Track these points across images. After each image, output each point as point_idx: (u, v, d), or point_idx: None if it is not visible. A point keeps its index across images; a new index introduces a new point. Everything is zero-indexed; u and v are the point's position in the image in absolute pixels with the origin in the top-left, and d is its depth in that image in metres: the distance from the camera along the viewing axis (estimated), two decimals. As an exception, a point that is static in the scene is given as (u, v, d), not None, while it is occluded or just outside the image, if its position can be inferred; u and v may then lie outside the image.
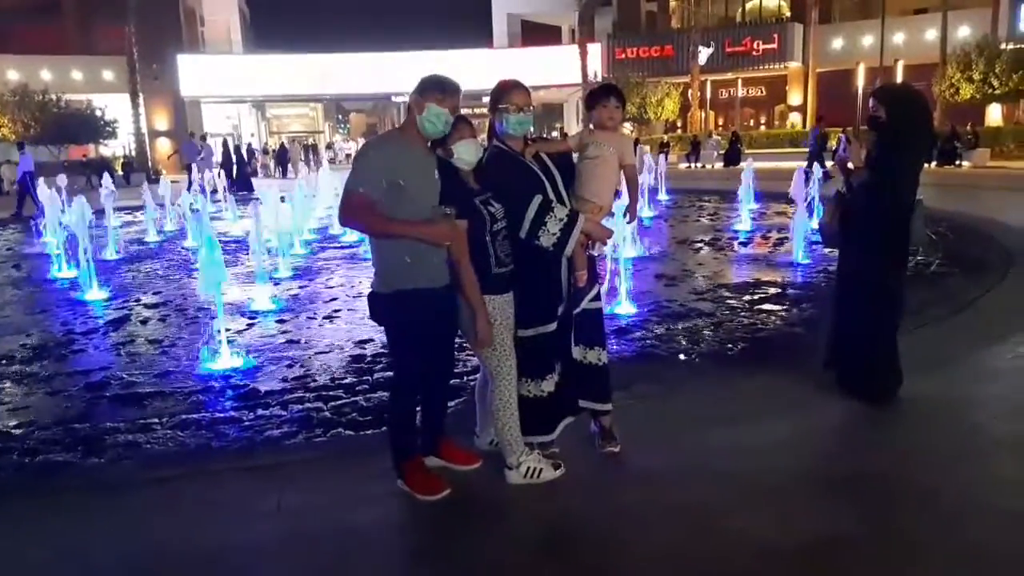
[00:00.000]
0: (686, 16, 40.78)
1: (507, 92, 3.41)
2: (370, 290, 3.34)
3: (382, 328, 3.48)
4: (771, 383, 4.78)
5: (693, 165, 30.49)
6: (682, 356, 5.55)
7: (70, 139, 31.55)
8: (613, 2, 41.66)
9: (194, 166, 22.73)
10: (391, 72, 38.41)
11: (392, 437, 3.49)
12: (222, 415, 4.53)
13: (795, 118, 37.54)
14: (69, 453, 4.02)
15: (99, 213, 11.56)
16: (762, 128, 40.03)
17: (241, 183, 24.27)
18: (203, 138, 26.71)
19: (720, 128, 39.09)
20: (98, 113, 32.68)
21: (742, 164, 14.48)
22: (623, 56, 39.34)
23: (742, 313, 6.74)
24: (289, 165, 34.28)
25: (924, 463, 3.69)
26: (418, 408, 3.55)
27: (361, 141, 52.61)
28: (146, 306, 7.78)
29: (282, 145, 37.52)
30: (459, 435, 3.78)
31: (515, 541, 3.12)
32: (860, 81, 31.81)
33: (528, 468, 3.46)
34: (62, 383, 5.27)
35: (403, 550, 3.14)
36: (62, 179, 15.97)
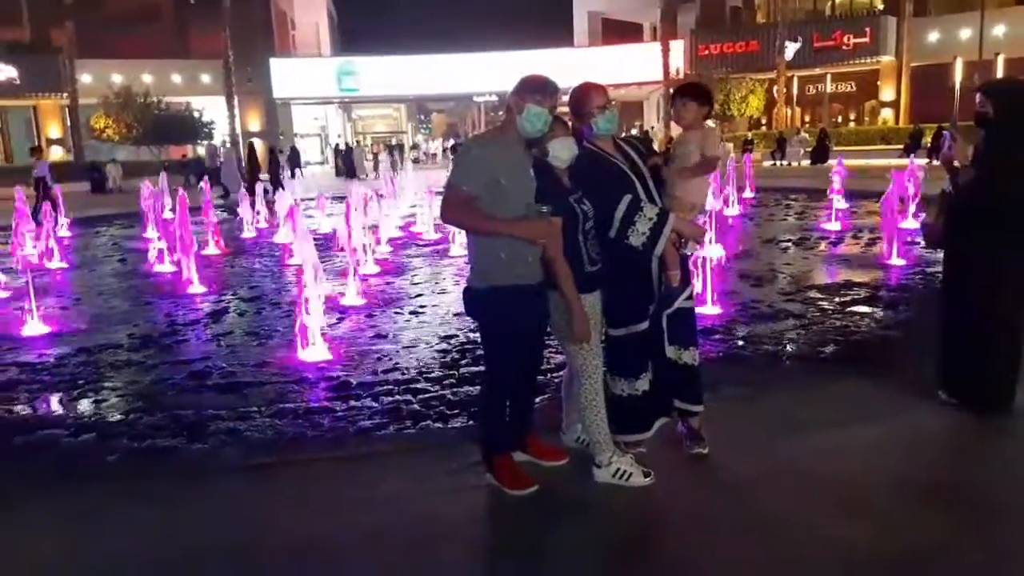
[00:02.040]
0: (772, 10, 39.69)
1: (587, 96, 3.46)
2: (466, 285, 3.41)
3: (468, 323, 3.56)
4: (864, 387, 4.63)
5: (778, 163, 29.71)
6: (770, 358, 5.43)
7: (170, 140, 33.13)
8: (697, -2, 41.03)
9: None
10: (472, 72, 38.83)
11: (483, 431, 3.56)
12: (316, 405, 4.70)
13: (887, 114, 36.08)
14: (175, 439, 4.25)
15: (196, 211, 12.12)
16: (851, 124, 38.63)
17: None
18: (223, 144, 27.02)
19: (807, 125, 37.92)
20: (196, 115, 34.21)
21: (830, 162, 13.99)
22: (706, 52, 38.68)
23: (833, 315, 6.54)
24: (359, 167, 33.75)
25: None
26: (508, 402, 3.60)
27: (442, 141, 53.32)
28: (243, 299, 8.13)
29: (347, 146, 37.41)
30: (546, 432, 3.83)
31: (597, 540, 3.14)
32: (957, 76, 30.31)
33: (618, 469, 3.46)
34: (167, 371, 5.56)
35: (489, 543, 3.21)
36: (163, 178, 16.78)
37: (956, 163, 4.00)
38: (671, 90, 27.95)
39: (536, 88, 3.22)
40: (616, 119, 3.52)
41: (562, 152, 3.33)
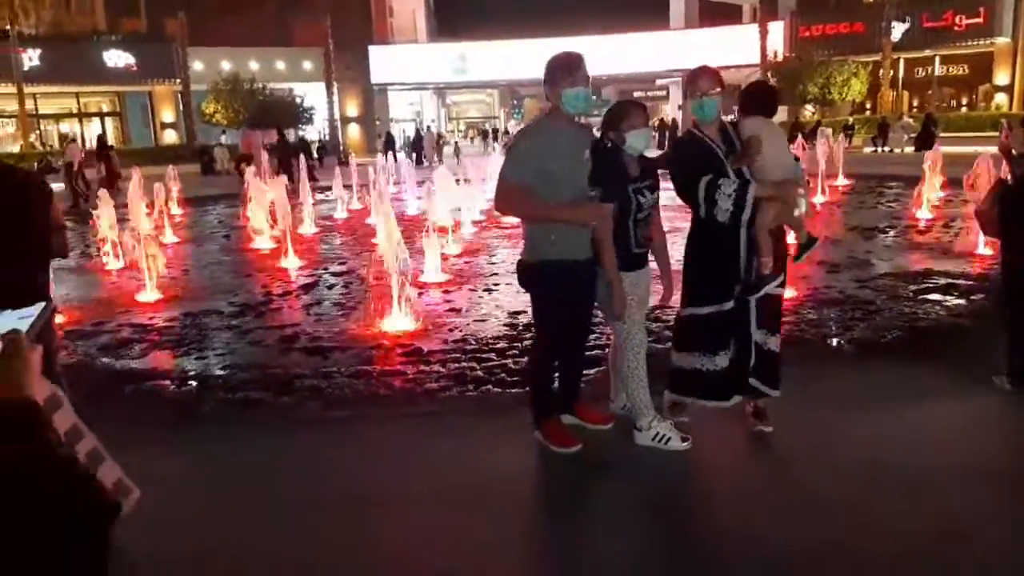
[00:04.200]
0: (881, -11, 37.99)
1: (692, 81, 3.62)
2: (519, 259, 3.72)
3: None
4: (922, 373, 4.68)
5: (880, 149, 28.58)
6: (832, 342, 5.51)
7: (273, 124, 34.68)
8: (800, -23, 39.67)
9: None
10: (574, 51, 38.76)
11: (532, 393, 3.86)
12: (390, 369, 5.12)
13: (1001, 99, 34.01)
14: (265, 392, 4.75)
15: (295, 192, 12.89)
16: (963, 110, 36.61)
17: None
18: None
19: (915, 110, 36.20)
20: (298, 100, 35.64)
21: (937, 149, 13.50)
22: (807, 34, 37.37)
23: (904, 302, 6.51)
24: (424, 154, 32.92)
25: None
26: (557, 369, 3.89)
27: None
28: (333, 274, 8.70)
29: (417, 132, 37.03)
30: (596, 400, 4.10)
31: (633, 495, 3.41)
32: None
33: (658, 433, 3.71)
34: (260, 335, 6.13)
35: (534, 493, 3.53)
36: (266, 160, 17.76)
37: (1013, 151, 4.02)
38: (768, 74, 26.96)
39: (565, 71, 3.42)
40: (713, 107, 3.58)
41: (638, 143, 3.57)
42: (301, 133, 37.39)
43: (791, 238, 3.86)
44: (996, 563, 2.80)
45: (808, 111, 35.92)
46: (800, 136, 23.17)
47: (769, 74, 34.82)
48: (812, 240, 3.78)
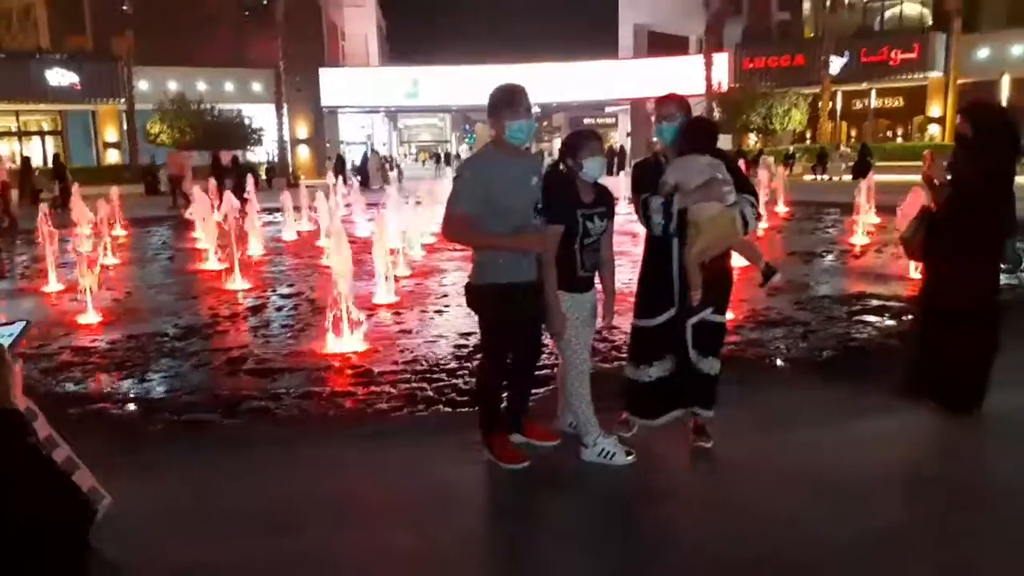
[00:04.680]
0: (820, 25, 39.47)
1: (655, 107, 3.89)
2: (467, 282, 3.81)
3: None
4: (850, 390, 4.89)
5: (819, 177, 29.58)
6: (767, 361, 5.71)
7: (221, 145, 34.27)
8: (743, 11, 40.97)
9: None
10: (517, 83, 39.26)
11: (480, 411, 3.94)
12: (340, 390, 5.14)
13: (934, 130, 35.58)
14: (212, 414, 4.72)
15: (242, 213, 12.77)
16: (899, 140, 38.16)
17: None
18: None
19: (853, 140, 37.59)
20: (246, 122, 35.30)
21: (871, 177, 14.13)
22: (751, 66, 38.59)
23: (839, 323, 6.78)
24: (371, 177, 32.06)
25: (987, 468, 3.78)
26: (505, 388, 3.97)
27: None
28: (281, 296, 8.66)
29: (365, 155, 36.50)
30: (544, 418, 4.20)
31: (579, 508, 3.51)
32: (1004, 93, 29.84)
33: (603, 450, 3.82)
34: (207, 357, 6.08)
35: (485, 506, 3.61)
36: (211, 182, 17.54)
37: (935, 181, 4.28)
38: (712, 104, 27.66)
39: (507, 104, 3.56)
40: (671, 131, 3.78)
41: (593, 170, 3.71)
42: (249, 154, 37.03)
43: (740, 262, 4.03)
44: (921, 566, 2.96)
45: (751, 140, 37.03)
46: (743, 163, 23.81)
47: (714, 104, 35.84)
48: (771, 269, 3.93)
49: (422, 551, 3.11)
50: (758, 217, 3.89)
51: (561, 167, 3.77)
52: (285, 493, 3.61)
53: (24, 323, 1.10)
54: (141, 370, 5.75)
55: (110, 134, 37.85)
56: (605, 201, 3.80)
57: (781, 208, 17.15)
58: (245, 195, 13.81)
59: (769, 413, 4.51)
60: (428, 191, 15.29)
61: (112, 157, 37.36)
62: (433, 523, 3.32)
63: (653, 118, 3.92)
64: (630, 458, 3.82)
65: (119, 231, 14.75)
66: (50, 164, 23.12)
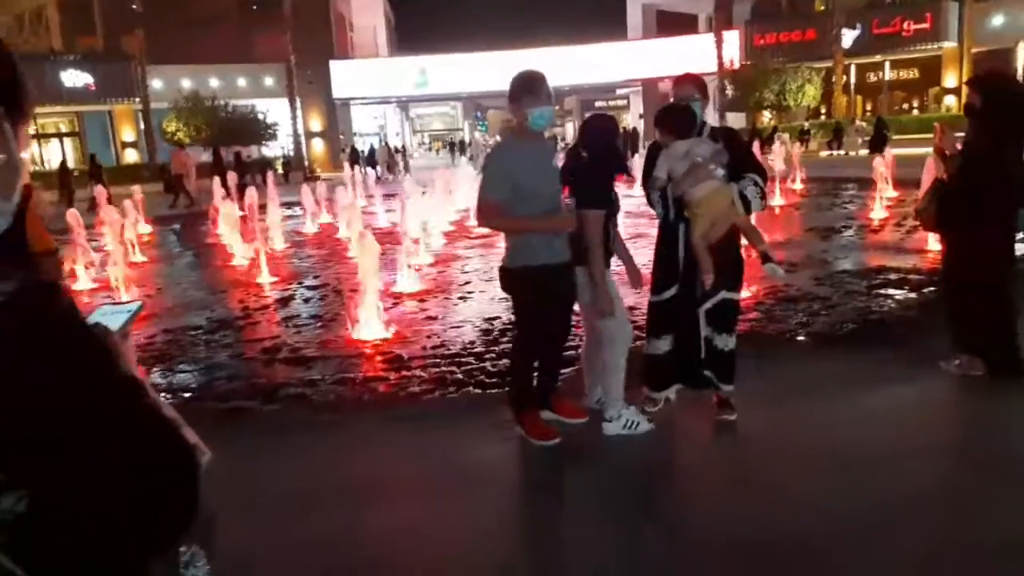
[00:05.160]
0: (830, -3, 39.11)
1: (673, 88, 4.07)
2: (500, 265, 3.96)
3: (510, 306, 4.11)
4: (871, 361, 4.99)
5: (835, 152, 29.41)
6: (788, 335, 5.82)
7: (236, 141, 34.57)
8: (753, -13, 40.67)
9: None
10: (526, 68, 39.17)
11: (512, 390, 4.08)
12: (372, 375, 5.31)
13: (950, 101, 35.19)
14: (252, 401, 4.91)
15: (262, 208, 12.99)
16: (915, 112, 37.80)
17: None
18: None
19: (868, 113, 37.29)
20: (260, 117, 35.56)
21: (886, 151, 14.14)
22: (762, 42, 38.32)
23: (859, 297, 6.86)
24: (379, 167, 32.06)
25: (1009, 438, 3.87)
26: (536, 367, 4.12)
27: (499, 138, 53.80)
28: (308, 288, 8.85)
29: (372, 147, 36.69)
30: (572, 395, 4.34)
31: (606, 481, 3.65)
32: (1021, 60, 29.48)
33: (627, 420, 3.97)
34: (242, 348, 6.27)
35: (517, 482, 3.76)
36: (232, 178, 17.79)
37: (947, 152, 4.36)
38: (724, 82, 27.50)
39: (528, 91, 3.69)
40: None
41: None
42: (264, 149, 37.28)
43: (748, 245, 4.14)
44: (943, 531, 3.08)
45: (765, 117, 36.81)
46: (757, 141, 23.75)
47: (726, 82, 35.64)
48: (769, 257, 3.98)
49: (457, 527, 3.26)
50: (763, 196, 3.95)
51: (583, 152, 3.89)
52: (323, 475, 3.78)
53: (138, 304, 1.24)
54: (179, 362, 5.96)
55: (127, 133, 38.26)
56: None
57: (797, 184, 17.14)
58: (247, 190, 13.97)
59: (790, 386, 4.62)
60: (436, 180, 15.46)
61: (131, 156, 37.80)
62: (467, 499, 3.47)
63: (671, 99, 4.03)
64: (651, 425, 4.02)
65: (144, 228, 15.02)
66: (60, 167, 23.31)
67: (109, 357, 0.95)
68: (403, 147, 45.09)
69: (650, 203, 4.07)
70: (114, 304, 1.21)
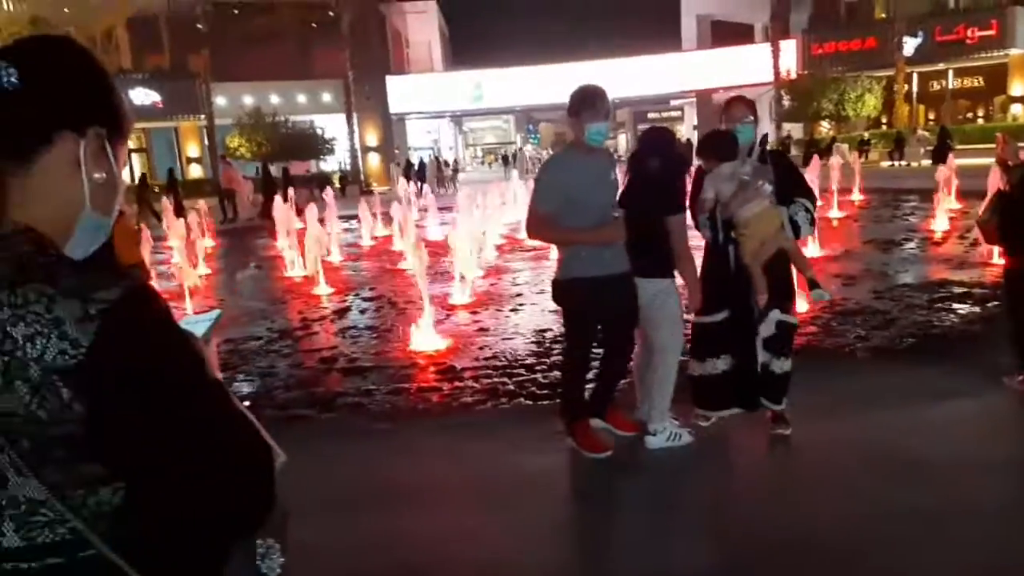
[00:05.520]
0: (891, 5, 38.22)
1: (725, 110, 4.11)
2: (553, 277, 4.02)
3: (561, 318, 4.17)
4: (932, 375, 4.90)
5: (897, 163, 28.69)
6: (847, 349, 5.73)
7: (295, 156, 35.42)
8: (810, -4, 40.05)
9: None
10: (579, 81, 39.15)
11: (564, 401, 4.13)
12: (426, 385, 5.42)
13: (1017, 110, 33.98)
14: (310, 409, 5.06)
15: (320, 222, 13.29)
16: (979, 122, 36.61)
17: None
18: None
19: (932, 123, 36.26)
20: (319, 132, 36.38)
21: (949, 161, 13.76)
22: (820, 51, 37.67)
23: (919, 311, 6.72)
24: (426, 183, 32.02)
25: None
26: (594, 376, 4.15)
27: (551, 151, 53.97)
28: (364, 299, 9.05)
29: (421, 161, 36.83)
30: (624, 408, 4.36)
31: (660, 496, 3.67)
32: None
33: (670, 433, 4.01)
34: (300, 358, 6.47)
35: (568, 490, 3.80)
36: (291, 192, 18.25)
37: (1009, 162, 4.26)
38: (781, 92, 27.08)
39: (589, 105, 3.73)
40: (749, 132, 3.99)
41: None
42: (323, 164, 38.06)
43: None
44: (999, 546, 3.01)
45: (823, 128, 36.11)
46: (815, 154, 23.33)
47: (783, 92, 35.11)
48: (816, 283, 3.99)
49: (507, 532, 3.32)
50: (812, 222, 4.01)
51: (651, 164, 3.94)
52: (380, 480, 3.88)
53: (218, 313, 1.34)
54: (242, 370, 6.16)
55: (192, 149, 39.54)
56: None
57: (856, 196, 16.79)
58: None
59: (847, 399, 4.56)
60: (488, 193, 15.57)
61: (195, 172, 39.04)
62: (518, 506, 3.54)
63: (724, 120, 4.04)
64: (692, 438, 4.05)
65: (208, 242, 15.53)
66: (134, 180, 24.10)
67: (201, 360, 1.04)
68: (455, 160, 45.56)
69: (698, 227, 4.09)
70: (196, 314, 1.31)
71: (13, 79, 0.97)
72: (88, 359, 0.90)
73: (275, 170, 26.02)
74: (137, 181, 23.29)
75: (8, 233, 0.96)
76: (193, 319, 1.32)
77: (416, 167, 35.10)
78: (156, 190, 25.48)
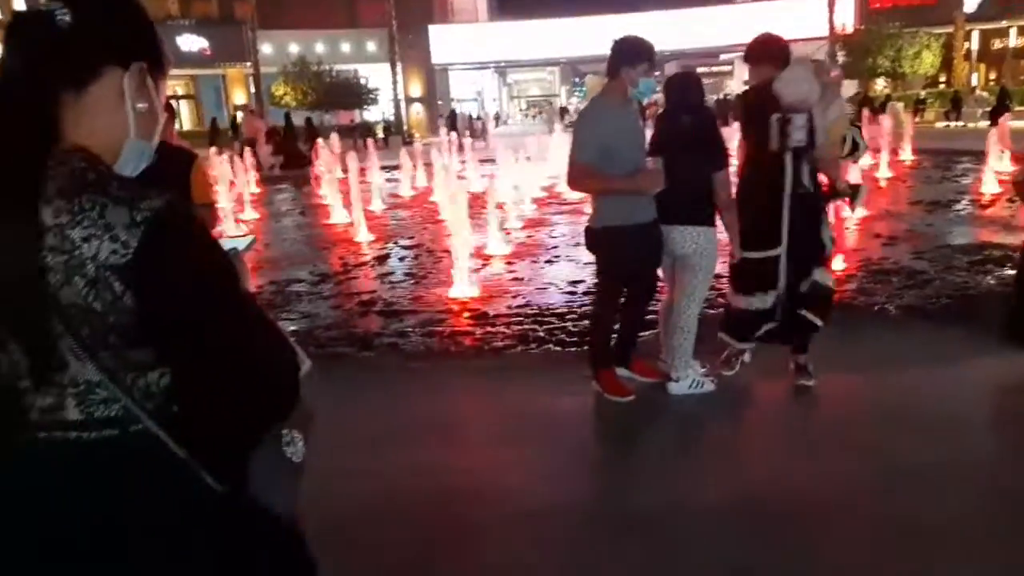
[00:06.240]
0: (955, -43, 36.59)
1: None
2: (587, 225, 4.12)
3: (594, 266, 4.28)
4: (965, 335, 4.90)
5: (953, 123, 27.80)
6: (879, 308, 5.75)
7: (340, 105, 35.55)
8: (871, -54, 38.47)
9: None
10: (626, 32, 38.45)
11: (592, 346, 4.25)
12: (459, 329, 5.61)
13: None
14: (349, 347, 5.30)
15: (363, 171, 13.51)
16: (1044, 81, 35.12)
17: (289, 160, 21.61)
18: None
19: (992, 83, 34.91)
20: (363, 82, 36.42)
21: (1002, 121, 13.32)
22: (877, 5, 36.32)
23: (957, 272, 6.66)
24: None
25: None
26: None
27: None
28: (403, 247, 9.26)
29: (453, 111, 36.48)
30: (648, 356, 4.49)
31: (681, 439, 3.82)
32: None
33: (693, 380, 4.12)
34: (340, 300, 6.72)
35: (594, 433, 3.98)
36: (335, 140, 18.45)
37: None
38: (835, 46, 26.33)
39: (645, 58, 3.82)
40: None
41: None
42: (366, 113, 38.15)
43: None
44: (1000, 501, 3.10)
45: (878, 85, 35.02)
46: (867, 110, 22.74)
47: (837, 47, 34.06)
48: (855, 187, 4.08)
49: (532, 465, 3.49)
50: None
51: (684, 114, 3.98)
52: (412, 413, 4.08)
53: (251, 238, 1.49)
54: (285, 311, 6.42)
55: (238, 97, 39.90)
56: None
57: (907, 156, 16.39)
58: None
59: (873, 356, 4.60)
60: (517, 148, 15.54)
61: (240, 119, 39.46)
62: (542, 442, 3.71)
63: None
64: (715, 386, 4.15)
65: (254, 188, 15.86)
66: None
67: (233, 268, 1.19)
68: (495, 113, 45.09)
69: (781, 135, 3.81)
70: (232, 237, 1.47)
71: (67, 18, 1.11)
72: (135, 258, 1.04)
73: (297, 119, 26.10)
74: (208, 126, 23.61)
75: (65, 151, 1.11)
76: (229, 240, 1.48)
77: (447, 118, 35.09)
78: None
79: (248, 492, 1.20)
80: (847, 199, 4.18)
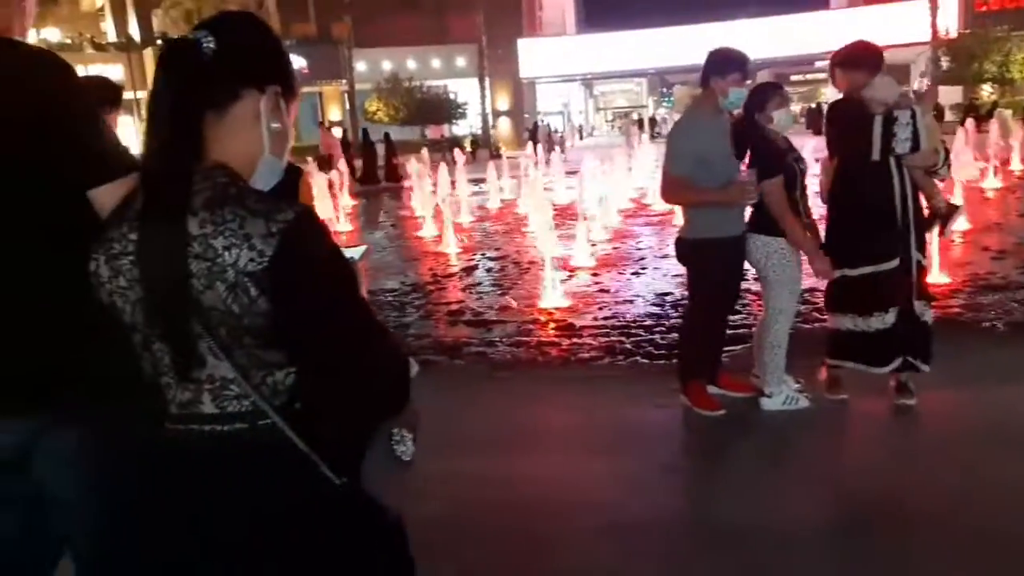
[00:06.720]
0: (1071, -45, 34.50)
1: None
2: (677, 236, 4.12)
3: (682, 283, 4.27)
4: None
5: (1068, 132, 26.09)
6: (985, 324, 5.49)
7: (430, 120, 36.36)
8: (976, -54, 36.71)
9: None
10: (717, 43, 37.69)
11: (682, 358, 4.22)
12: (546, 340, 5.68)
13: None
14: (440, 356, 5.44)
15: (452, 184, 13.80)
16: None
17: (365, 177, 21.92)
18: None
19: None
20: (452, 96, 37.14)
21: None
22: (983, 8, 34.57)
23: (1070, 289, 6.29)
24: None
25: None
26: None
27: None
28: (490, 258, 9.40)
29: (535, 124, 36.85)
30: (738, 371, 4.43)
31: (770, 455, 3.74)
32: None
33: (787, 396, 4.02)
34: (431, 310, 6.89)
35: (678, 443, 3.97)
36: (425, 155, 18.88)
37: None
38: (938, 52, 25.21)
39: (739, 69, 3.81)
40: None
41: (783, 121, 3.94)
42: (454, 128, 38.85)
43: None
44: None
45: (985, 91, 33.28)
46: (972, 119, 21.64)
47: (940, 53, 32.61)
48: (952, 207, 3.93)
49: (617, 476, 3.50)
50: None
51: (751, 122, 3.93)
52: (499, 422, 4.16)
53: (365, 248, 1.59)
54: (378, 318, 6.61)
55: (334, 113, 41.33)
56: (795, 147, 4.02)
57: (1016, 166, 15.52)
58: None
59: (978, 373, 4.40)
60: (600, 160, 15.50)
61: (337, 135, 40.75)
62: (628, 454, 3.71)
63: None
64: (809, 403, 4.03)
65: (348, 200, 16.40)
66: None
67: (355, 275, 1.29)
68: (572, 125, 45.14)
69: (885, 137, 3.73)
70: (348, 247, 1.57)
71: (212, 46, 1.23)
72: (270, 266, 1.15)
73: (375, 134, 26.68)
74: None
75: (209, 167, 1.23)
76: (347, 250, 1.58)
77: (530, 131, 35.43)
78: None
79: (363, 487, 1.29)
80: (940, 223, 4.01)
